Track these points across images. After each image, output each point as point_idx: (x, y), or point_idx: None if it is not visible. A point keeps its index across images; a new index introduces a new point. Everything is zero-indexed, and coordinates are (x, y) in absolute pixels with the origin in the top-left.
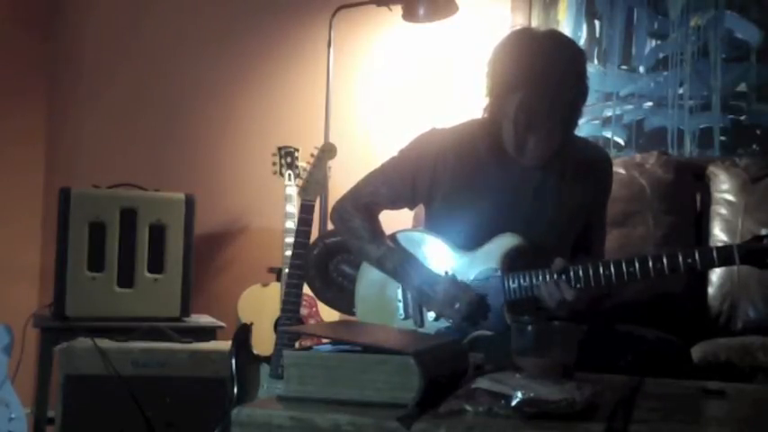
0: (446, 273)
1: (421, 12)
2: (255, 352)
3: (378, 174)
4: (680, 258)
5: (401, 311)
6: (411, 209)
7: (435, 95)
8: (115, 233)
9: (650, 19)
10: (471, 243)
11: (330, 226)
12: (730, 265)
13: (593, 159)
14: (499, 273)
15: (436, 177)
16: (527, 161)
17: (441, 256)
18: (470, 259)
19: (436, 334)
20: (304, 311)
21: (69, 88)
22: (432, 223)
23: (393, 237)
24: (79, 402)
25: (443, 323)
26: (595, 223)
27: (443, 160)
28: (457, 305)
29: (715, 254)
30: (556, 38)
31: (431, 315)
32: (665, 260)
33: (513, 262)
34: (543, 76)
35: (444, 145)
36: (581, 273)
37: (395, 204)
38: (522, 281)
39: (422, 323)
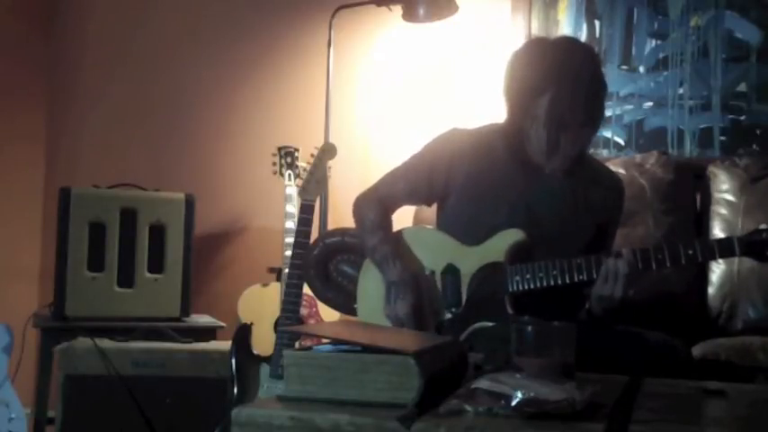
0: (433, 273)
1: (421, 12)
2: (255, 352)
3: (399, 169)
4: (680, 249)
5: None
6: (428, 206)
7: (435, 95)
8: (115, 233)
9: (650, 19)
10: (478, 239)
11: (330, 226)
12: (731, 257)
13: (608, 175)
14: (503, 264)
15: (451, 176)
16: (555, 164)
17: (445, 250)
18: (475, 252)
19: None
20: (304, 311)
21: (69, 88)
22: (443, 221)
23: (399, 232)
24: (79, 402)
25: None
26: (605, 241)
27: (459, 160)
28: (406, 330)
29: (716, 245)
30: (571, 40)
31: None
32: (666, 251)
33: (516, 256)
34: (569, 72)
35: (462, 145)
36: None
37: (411, 199)
38: (525, 273)
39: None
